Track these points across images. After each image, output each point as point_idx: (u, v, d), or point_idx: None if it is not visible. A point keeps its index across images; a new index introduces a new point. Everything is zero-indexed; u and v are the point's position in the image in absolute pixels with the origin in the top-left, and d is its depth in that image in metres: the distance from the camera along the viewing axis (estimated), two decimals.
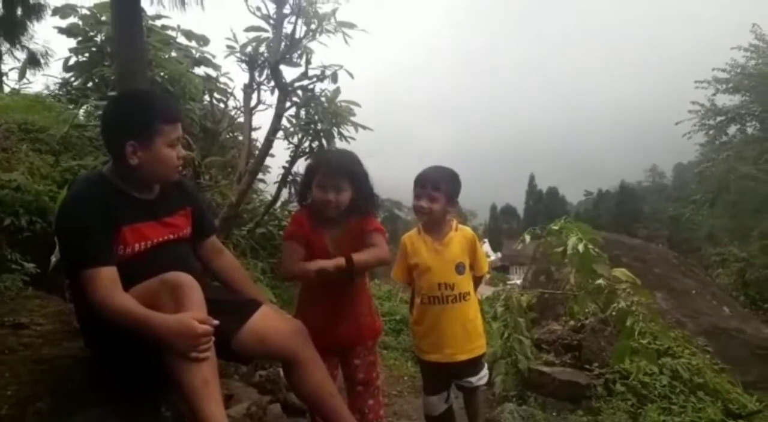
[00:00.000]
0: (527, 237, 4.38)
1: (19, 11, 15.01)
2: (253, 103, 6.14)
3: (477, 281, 3.08)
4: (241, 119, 6.42)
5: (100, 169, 2.23)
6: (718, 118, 19.71)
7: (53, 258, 2.83)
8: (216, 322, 1.83)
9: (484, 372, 3.04)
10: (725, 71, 18.94)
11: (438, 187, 2.83)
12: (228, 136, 6.95)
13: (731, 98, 19.31)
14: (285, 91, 5.74)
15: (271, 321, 2.17)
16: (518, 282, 7.36)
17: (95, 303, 1.85)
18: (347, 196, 2.43)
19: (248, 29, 6.00)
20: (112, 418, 1.91)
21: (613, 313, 4.02)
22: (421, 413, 3.88)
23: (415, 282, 2.95)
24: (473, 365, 2.93)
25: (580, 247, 3.80)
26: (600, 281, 3.95)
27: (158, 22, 7.17)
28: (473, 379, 2.95)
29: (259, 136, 6.26)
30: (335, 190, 2.40)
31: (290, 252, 2.48)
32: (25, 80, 7.25)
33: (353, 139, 6.00)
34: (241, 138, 6.51)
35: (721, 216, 20.33)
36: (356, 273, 2.42)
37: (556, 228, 4.17)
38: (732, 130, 19.85)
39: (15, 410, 1.77)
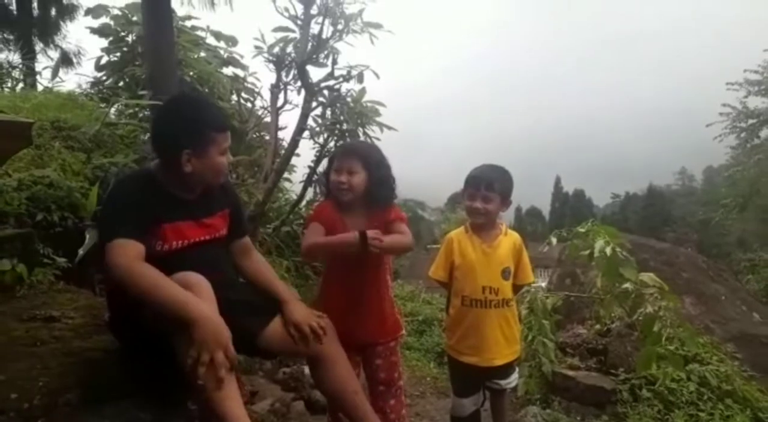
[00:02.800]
0: (554, 240, 4.32)
1: (53, 12, 15.37)
2: (279, 102, 6.19)
3: (517, 290, 3.03)
4: (268, 119, 6.47)
5: (148, 166, 2.27)
6: (750, 121, 19.31)
7: (81, 252, 2.89)
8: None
9: (515, 375, 3.01)
10: (757, 73, 18.57)
11: (492, 186, 2.77)
12: (255, 136, 7.01)
13: (763, 100, 18.93)
14: (311, 91, 5.78)
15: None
16: (543, 284, 7.27)
17: (116, 268, 1.83)
18: (360, 178, 2.45)
19: (276, 30, 6.06)
20: (139, 411, 1.94)
21: (640, 318, 3.96)
22: (443, 414, 3.87)
23: (455, 282, 2.88)
24: (506, 368, 2.90)
25: (608, 250, 3.75)
26: (627, 285, 3.89)
27: (188, 23, 7.29)
28: (503, 382, 2.92)
29: (286, 135, 6.32)
30: (348, 171, 2.44)
31: (311, 230, 2.50)
32: (58, 79, 7.43)
33: (378, 139, 6.01)
34: (267, 137, 6.56)
35: (751, 221, 19.93)
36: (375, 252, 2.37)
37: (582, 230, 4.12)
38: (764, 132, 19.46)
39: (46, 400, 1.81)
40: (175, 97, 2.49)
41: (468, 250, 2.83)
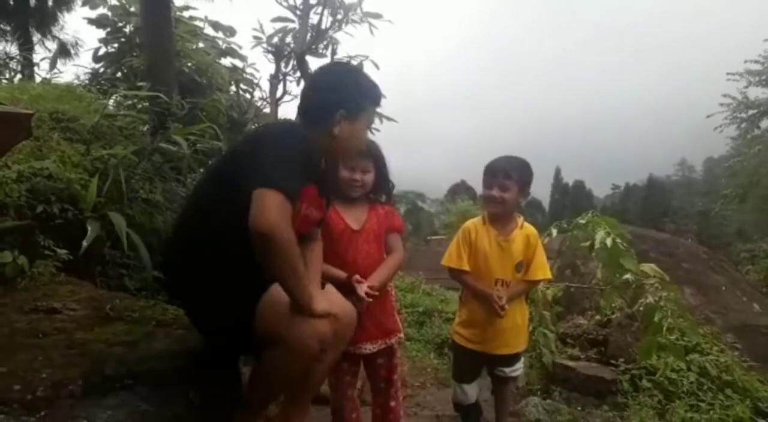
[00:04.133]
0: (554, 231, 4.33)
1: (50, 2, 15.30)
2: (278, 93, 6.20)
3: (533, 285, 3.02)
4: (267, 110, 6.46)
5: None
6: (750, 111, 19.30)
7: (84, 243, 2.88)
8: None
9: (519, 365, 3.01)
10: (758, 63, 18.52)
11: (509, 175, 2.76)
12: (254, 126, 7.00)
13: (764, 91, 18.90)
14: None
15: (337, 296, 2.14)
16: None
17: (265, 223, 1.68)
18: (372, 176, 2.54)
19: (275, 20, 6.06)
20: (141, 402, 1.94)
21: (641, 308, 3.97)
22: (444, 404, 3.88)
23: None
24: (511, 357, 2.92)
25: (608, 242, 3.76)
26: (627, 276, 3.90)
27: (186, 13, 7.26)
28: (507, 369, 2.93)
29: None
30: (362, 170, 2.50)
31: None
32: (55, 70, 7.36)
33: (378, 130, 6.01)
34: None
35: (751, 212, 19.97)
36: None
37: (583, 222, 4.12)
38: (764, 123, 19.46)
39: (49, 392, 1.81)
40: (337, 63, 2.41)
41: (484, 242, 2.83)
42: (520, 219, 2.90)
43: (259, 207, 1.70)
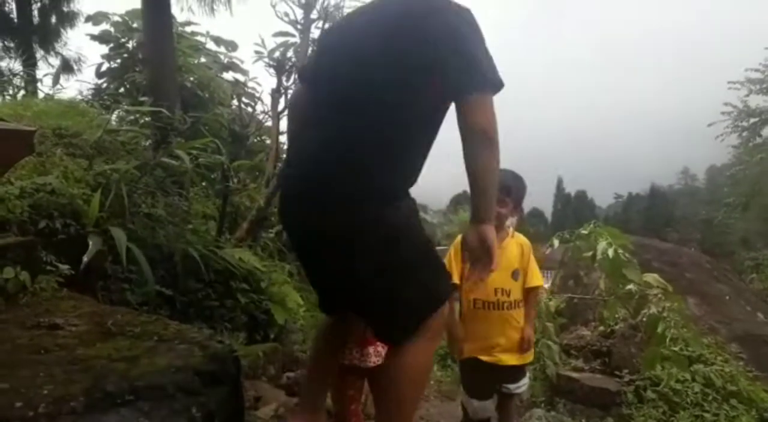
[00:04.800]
0: (556, 242, 4.32)
1: (53, 19, 15.41)
2: (280, 107, 6.21)
3: (527, 293, 3.02)
4: (269, 123, 6.49)
5: None
6: (752, 120, 19.32)
7: (85, 259, 2.89)
8: None
9: (525, 380, 3.00)
10: (759, 71, 18.56)
11: (509, 191, 2.79)
12: (256, 140, 7.04)
13: (765, 99, 18.93)
14: None
15: None
16: (546, 286, 7.26)
17: (493, 132, 1.66)
18: None
19: (276, 34, 6.10)
20: (143, 418, 1.93)
21: (644, 319, 3.96)
22: (447, 418, 3.86)
23: (464, 284, 2.87)
24: (517, 371, 2.90)
25: (610, 252, 3.75)
26: (630, 286, 3.89)
27: (188, 29, 7.32)
28: (512, 386, 2.91)
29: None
30: None
31: None
32: (58, 86, 7.43)
33: None
34: (268, 142, 6.58)
35: (754, 220, 19.91)
36: None
37: (585, 232, 4.12)
38: (766, 131, 19.46)
39: (50, 408, 1.80)
40: None
41: None
42: (511, 229, 2.94)
43: (483, 110, 1.65)
